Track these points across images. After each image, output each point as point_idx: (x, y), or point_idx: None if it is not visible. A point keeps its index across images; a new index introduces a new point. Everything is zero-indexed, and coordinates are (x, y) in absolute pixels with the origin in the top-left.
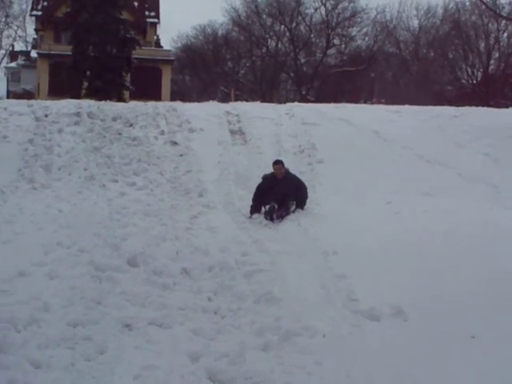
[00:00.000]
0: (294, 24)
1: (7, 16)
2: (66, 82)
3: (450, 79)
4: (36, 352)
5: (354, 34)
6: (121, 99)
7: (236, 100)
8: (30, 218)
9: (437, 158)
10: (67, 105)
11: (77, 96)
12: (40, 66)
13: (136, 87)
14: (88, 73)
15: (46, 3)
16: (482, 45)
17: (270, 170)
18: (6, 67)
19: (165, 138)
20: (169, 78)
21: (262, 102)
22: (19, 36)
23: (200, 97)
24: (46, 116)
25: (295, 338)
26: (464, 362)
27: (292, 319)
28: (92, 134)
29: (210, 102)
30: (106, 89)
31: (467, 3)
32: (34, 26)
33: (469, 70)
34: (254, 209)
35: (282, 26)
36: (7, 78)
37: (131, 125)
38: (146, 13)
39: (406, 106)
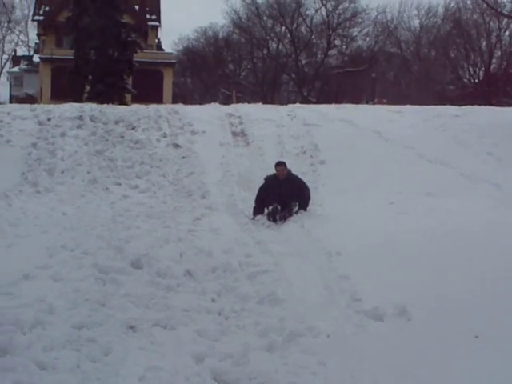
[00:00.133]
0: (294, 25)
1: (9, 21)
2: (68, 85)
3: (452, 78)
4: (41, 354)
5: (354, 34)
6: (123, 102)
7: (238, 102)
8: (34, 221)
9: (439, 157)
10: (70, 108)
11: (79, 100)
12: (42, 70)
13: (138, 90)
14: (90, 76)
15: (47, 8)
16: (484, 43)
17: (272, 171)
18: (8, 72)
19: (167, 141)
20: (170, 81)
21: (263, 103)
22: (21, 41)
23: (202, 99)
24: (49, 120)
25: (299, 339)
26: (468, 361)
27: (296, 320)
28: (95, 138)
29: (212, 104)
30: (108, 92)
31: (468, 2)
32: (36, 31)
33: (470, 69)
34: (257, 210)
35: (283, 28)
36: (10, 82)
37: (133, 128)
38: (147, 16)
39: (408, 106)
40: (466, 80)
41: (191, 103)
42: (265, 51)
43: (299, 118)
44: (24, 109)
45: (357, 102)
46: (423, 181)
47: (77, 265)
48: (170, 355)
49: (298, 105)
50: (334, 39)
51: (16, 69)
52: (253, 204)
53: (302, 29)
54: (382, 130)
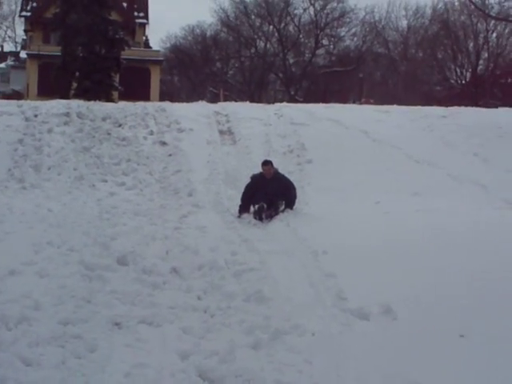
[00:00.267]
0: (282, 24)
1: None
2: (55, 82)
3: (439, 79)
4: (26, 350)
5: (342, 34)
6: (110, 99)
7: (225, 100)
8: (20, 217)
9: (426, 158)
10: (56, 105)
11: (66, 96)
12: (29, 66)
13: (125, 88)
14: (77, 73)
15: (35, 4)
16: (471, 45)
17: (258, 169)
18: None
19: (154, 138)
20: (158, 79)
21: (250, 102)
22: (8, 37)
23: (189, 97)
24: (36, 116)
25: (285, 337)
26: (453, 360)
27: (282, 318)
28: (81, 134)
29: (199, 102)
30: (95, 89)
31: (456, 3)
32: (23, 27)
33: (458, 70)
34: (243, 208)
35: (271, 27)
36: None
37: (120, 125)
38: (135, 13)
39: (395, 106)
40: (453, 81)
41: (178, 101)
42: (252, 50)
43: (286, 117)
44: (11, 105)
45: (344, 101)
46: (410, 181)
47: (63, 261)
48: (155, 352)
49: (285, 104)
50: (322, 39)
51: (3, 65)
52: (239, 202)
53: (290, 28)
54: (370, 130)
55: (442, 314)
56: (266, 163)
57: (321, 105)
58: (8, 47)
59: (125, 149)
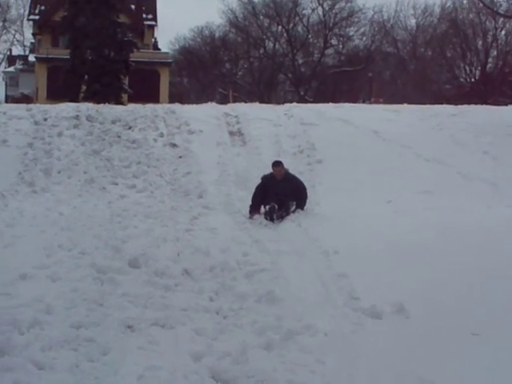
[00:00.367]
0: (291, 25)
1: (5, 20)
2: (64, 85)
3: (448, 78)
4: (39, 354)
5: (351, 33)
6: (119, 102)
7: (234, 101)
8: (31, 221)
9: (436, 156)
10: (66, 108)
11: (75, 99)
12: (38, 70)
13: (134, 90)
14: (86, 76)
15: (43, 7)
16: (480, 43)
17: (269, 170)
18: (4, 72)
19: (164, 140)
20: (167, 81)
21: (260, 103)
22: (17, 40)
23: (198, 99)
24: (45, 120)
25: (297, 337)
26: (466, 358)
27: (293, 318)
28: (91, 137)
29: (209, 103)
30: (105, 92)
31: (464, 1)
32: (31, 31)
33: (467, 68)
34: (253, 209)
35: (280, 27)
36: (5, 82)
37: (130, 127)
38: (144, 15)
39: (405, 106)
40: (462, 79)
41: (188, 103)
42: (261, 51)
43: (296, 117)
44: (20, 109)
45: (353, 101)
46: (420, 179)
47: (74, 265)
48: (168, 354)
49: (294, 104)
50: (331, 39)
51: (11, 68)
52: (250, 203)
53: (299, 28)
54: (379, 130)
55: (454, 312)
56: (277, 164)
57: (330, 105)
58: (16, 51)
59: (135, 151)
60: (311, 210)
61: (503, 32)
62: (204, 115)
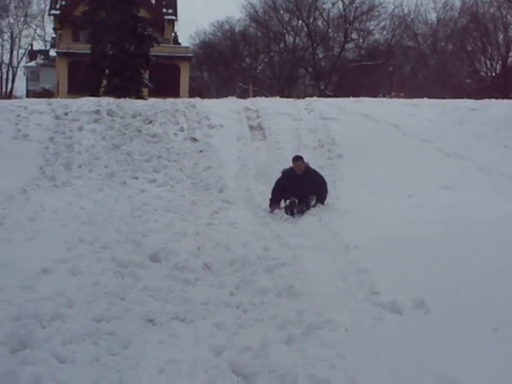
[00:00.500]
0: (311, 19)
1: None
2: (84, 80)
3: (469, 72)
4: (61, 347)
5: (371, 28)
6: (140, 96)
7: (254, 96)
8: (52, 215)
9: (456, 151)
10: (87, 103)
11: (96, 94)
12: (59, 64)
13: (154, 84)
14: (107, 71)
15: (64, 2)
16: (501, 37)
17: (289, 164)
18: (25, 66)
19: (184, 135)
20: (187, 75)
21: (280, 97)
22: (38, 35)
23: (218, 93)
24: (66, 114)
25: (317, 332)
26: (487, 354)
27: (314, 313)
28: (112, 132)
29: (229, 98)
30: (125, 86)
31: None
32: (52, 25)
33: (487, 62)
34: (273, 202)
35: (300, 21)
36: (26, 77)
37: (151, 122)
38: (164, 10)
39: (425, 100)
40: (483, 73)
41: (208, 97)
42: (281, 45)
43: (316, 111)
44: (41, 103)
45: (374, 95)
46: (441, 174)
47: (95, 259)
48: (188, 348)
49: (315, 98)
50: (351, 33)
51: (33, 63)
52: (269, 196)
53: (319, 22)
54: (400, 124)
55: (475, 307)
56: (297, 159)
57: (351, 99)
58: (37, 46)
59: (155, 145)
60: (332, 204)
61: None
62: (224, 110)
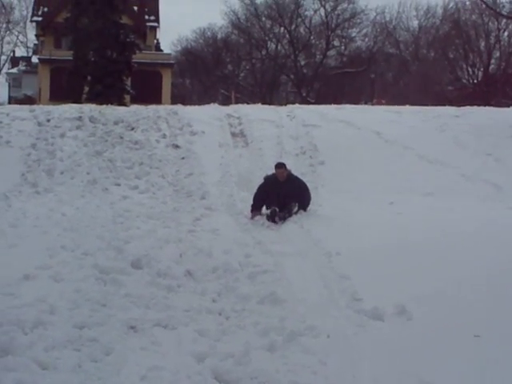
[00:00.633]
0: (293, 26)
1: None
2: (67, 86)
3: (451, 79)
4: (43, 354)
5: (353, 35)
6: (122, 103)
7: (237, 102)
8: (34, 221)
9: (438, 158)
10: (69, 109)
11: (78, 101)
12: (41, 71)
13: (136, 91)
14: (89, 77)
15: (46, 9)
16: (483, 44)
17: (271, 171)
18: (7, 73)
19: (166, 142)
20: (169, 82)
21: (262, 104)
22: (20, 42)
23: (200, 100)
24: (48, 121)
25: (300, 338)
26: (468, 360)
27: (296, 319)
28: (94, 138)
29: (211, 104)
30: (107, 93)
31: (467, 3)
32: (34, 32)
33: (469, 69)
34: (255, 208)
35: (282, 28)
36: (8, 83)
37: (133, 128)
38: (146, 17)
39: (407, 107)
40: (464, 80)
41: (190, 104)
42: (263, 52)
43: (298, 118)
44: (23, 110)
45: (356, 102)
46: (423, 181)
47: (77, 265)
48: (171, 355)
49: (297, 105)
50: (333, 40)
51: (15, 70)
52: (251, 202)
53: (301, 29)
54: (382, 131)
55: (457, 313)
56: (280, 166)
57: (333, 106)
58: (20, 52)
59: (137, 152)
60: (314, 211)
61: (506, 33)
62: (206, 116)
